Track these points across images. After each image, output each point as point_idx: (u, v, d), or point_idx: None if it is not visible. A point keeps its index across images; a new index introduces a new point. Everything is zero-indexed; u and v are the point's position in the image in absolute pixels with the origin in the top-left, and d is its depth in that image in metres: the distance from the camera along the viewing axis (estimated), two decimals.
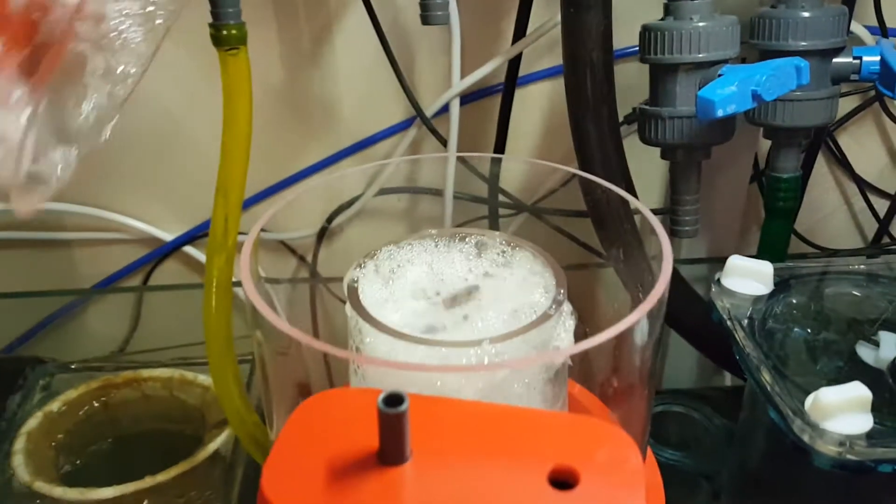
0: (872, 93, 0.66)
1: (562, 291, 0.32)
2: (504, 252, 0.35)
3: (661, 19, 0.46)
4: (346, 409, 0.25)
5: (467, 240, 0.36)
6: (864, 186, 0.70)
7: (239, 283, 0.70)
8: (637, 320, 0.28)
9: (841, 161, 0.69)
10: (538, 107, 0.64)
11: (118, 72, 0.24)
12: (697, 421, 0.55)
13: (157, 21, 0.23)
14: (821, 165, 0.70)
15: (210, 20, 0.45)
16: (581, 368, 0.35)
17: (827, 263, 0.48)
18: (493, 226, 0.62)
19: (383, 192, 0.63)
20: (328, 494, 0.22)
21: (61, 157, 0.29)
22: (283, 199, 0.37)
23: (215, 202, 0.47)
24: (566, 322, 0.33)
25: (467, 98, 0.62)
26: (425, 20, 0.47)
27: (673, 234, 0.50)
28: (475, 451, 0.23)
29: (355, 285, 0.33)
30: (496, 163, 0.59)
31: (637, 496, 0.22)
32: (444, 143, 0.62)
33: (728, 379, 0.70)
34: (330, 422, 0.25)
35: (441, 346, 0.29)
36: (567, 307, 0.32)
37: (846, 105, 0.66)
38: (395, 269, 0.35)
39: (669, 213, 0.51)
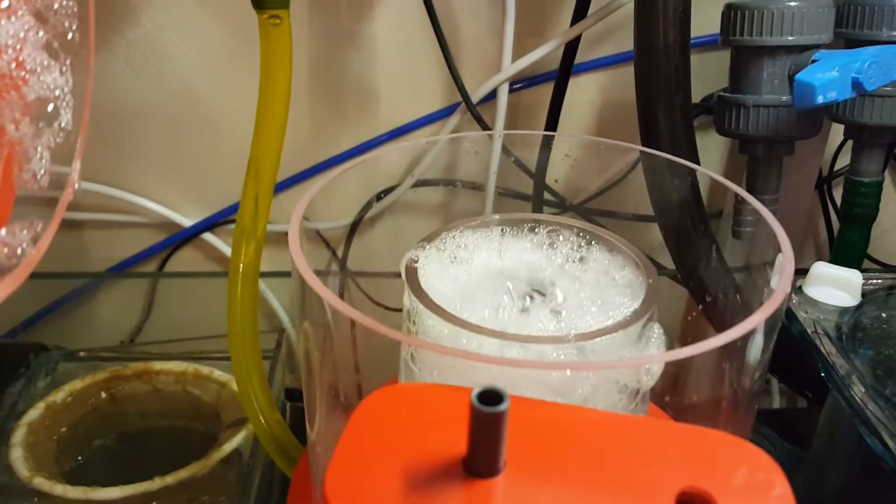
0: None
1: (650, 287, 0.28)
2: (580, 245, 0.31)
3: None
4: (418, 406, 0.21)
5: (537, 230, 0.32)
6: None
7: (266, 274, 0.66)
8: (753, 328, 0.24)
9: None
10: (589, 98, 0.60)
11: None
12: (761, 447, 0.50)
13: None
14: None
15: None
16: (665, 387, 0.31)
17: None
18: None
19: (420, 183, 0.59)
20: None
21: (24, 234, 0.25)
22: (327, 178, 0.32)
23: (245, 182, 0.43)
24: (655, 328, 0.28)
25: (515, 85, 0.58)
26: None
27: (736, 235, 0.46)
28: (584, 467, 0.19)
29: (415, 265, 0.29)
30: (545, 150, 0.55)
31: None
32: (489, 131, 0.58)
33: (777, 401, 0.66)
34: (400, 421, 0.20)
35: (525, 342, 0.24)
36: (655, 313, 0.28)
37: None
38: (460, 253, 0.30)
39: (734, 214, 0.46)
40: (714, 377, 0.28)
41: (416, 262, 0.29)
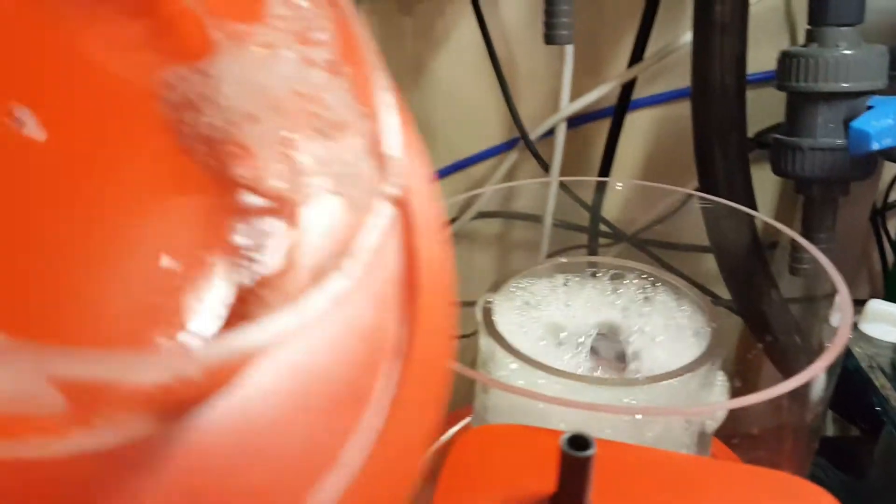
0: None
1: (714, 332, 0.30)
2: (644, 288, 0.33)
3: (804, 45, 0.44)
4: (510, 444, 0.23)
5: (599, 275, 0.34)
6: None
7: None
8: (815, 375, 0.26)
9: None
10: (643, 134, 0.62)
11: None
12: (815, 476, 0.51)
13: None
14: None
15: None
16: (729, 425, 0.32)
17: None
18: (593, 253, 0.60)
19: (481, 215, 0.61)
20: None
21: None
22: None
23: None
24: (719, 375, 0.30)
25: (573, 122, 0.60)
26: (550, 39, 0.46)
27: (793, 272, 0.47)
28: (662, 499, 0.21)
29: (490, 310, 0.31)
30: (600, 185, 0.57)
31: None
32: (546, 167, 0.60)
33: (830, 428, 0.66)
34: (494, 459, 0.22)
35: (599, 384, 0.26)
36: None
37: None
38: (529, 301, 0.32)
39: (791, 251, 0.48)
40: (776, 416, 0.30)
41: (491, 306, 0.31)
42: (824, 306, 0.62)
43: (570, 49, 0.54)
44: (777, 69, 0.45)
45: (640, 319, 0.30)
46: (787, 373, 0.28)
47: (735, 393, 0.33)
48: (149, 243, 0.18)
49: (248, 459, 0.16)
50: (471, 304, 0.39)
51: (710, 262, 0.52)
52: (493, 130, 0.62)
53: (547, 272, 0.33)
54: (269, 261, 0.19)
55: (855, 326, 0.42)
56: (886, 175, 0.61)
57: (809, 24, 0.44)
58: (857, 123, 0.37)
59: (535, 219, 0.61)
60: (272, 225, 0.19)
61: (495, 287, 0.32)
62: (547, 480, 0.21)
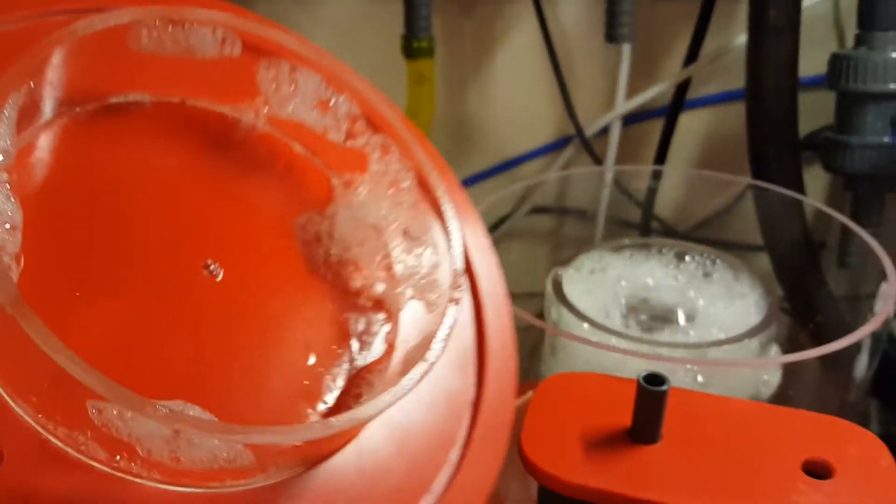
0: None
1: (772, 304, 0.32)
2: (705, 263, 0.35)
3: (854, 48, 0.46)
4: (586, 388, 0.26)
5: (662, 251, 0.37)
6: None
7: None
8: (858, 339, 0.28)
9: None
10: (697, 133, 0.64)
11: None
12: None
13: None
14: None
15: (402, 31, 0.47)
16: (779, 398, 0.35)
17: None
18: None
19: (535, 210, 0.64)
20: (585, 462, 0.23)
21: None
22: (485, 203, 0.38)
23: None
24: (774, 347, 0.33)
25: (627, 120, 0.63)
26: (612, 38, 0.48)
27: (840, 264, 0.49)
28: (726, 439, 0.24)
29: (560, 281, 0.34)
30: (653, 181, 0.59)
31: (893, 493, 0.22)
32: (600, 164, 0.62)
33: (875, 426, 0.68)
34: (573, 398, 0.25)
35: (661, 345, 0.29)
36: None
37: None
38: (594, 269, 0.35)
39: (839, 245, 0.50)
40: (822, 390, 0.32)
41: (560, 278, 0.34)
42: (869, 304, 0.64)
43: (627, 48, 0.56)
44: (828, 71, 0.47)
45: (700, 290, 0.33)
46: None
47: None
48: (298, 342, 0.27)
49: (363, 492, 0.24)
50: (528, 295, 0.41)
51: (760, 261, 0.55)
52: (547, 128, 0.65)
53: (612, 248, 0.36)
54: (375, 349, 0.28)
55: None
56: None
57: (859, 28, 0.46)
58: None
59: (588, 215, 0.63)
60: (378, 321, 0.28)
61: (565, 261, 0.35)
62: (621, 417, 0.24)
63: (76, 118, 0.26)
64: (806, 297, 0.46)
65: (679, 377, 0.29)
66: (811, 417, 0.25)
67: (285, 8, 0.61)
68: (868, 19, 0.45)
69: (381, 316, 0.28)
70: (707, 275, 0.34)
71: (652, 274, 0.35)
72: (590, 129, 0.62)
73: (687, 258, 0.35)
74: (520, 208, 0.64)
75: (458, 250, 0.27)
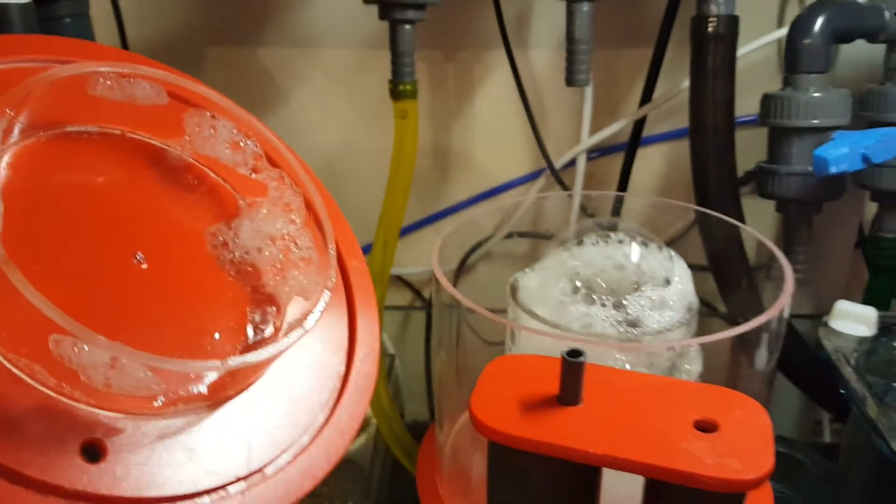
0: None
1: (692, 304, 0.38)
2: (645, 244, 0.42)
3: (782, 89, 0.53)
4: (524, 367, 0.32)
5: (609, 240, 0.43)
6: None
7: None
8: (766, 320, 0.34)
9: None
10: (655, 166, 0.70)
11: None
12: (801, 461, 0.59)
13: None
14: None
15: (389, 78, 0.54)
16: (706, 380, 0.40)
17: None
18: None
19: (511, 235, 0.70)
20: (521, 420, 0.28)
21: None
22: (457, 221, 0.44)
23: (377, 233, 0.56)
24: (693, 349, 0.38)
25: (592, 154, 0.69)
26: (570, 82, 0.55)
27: (769, 278, 0.55)
28: (634, 403, 0.29)
29: (516, 284, 0.40)
30: (617, 205, 0.65)
31: (767, 447, 0.28)
32: (569, 192, 0.69)
33: (827, 435, 0.73)
34: (515, 373, 0.31)
35: (593, 343, 0.35)
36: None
37: None
38: (548, 267, 0.42)
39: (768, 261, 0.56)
40: (735, 375, 0.38)
41: (516, 283, 0.40)
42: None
43: (589, 90, 0.63)
44: (760, 108, 0.54)
45: (641, 265, 0.39)
46: None
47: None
48: (206, 321, 0.35)
49: (252, 430, 0.32)
50: (503, 310, 0.47)
51: (708, 283, 0.60)
52: (523, 161, 0.72)
53: (563, 248, 0.42)
54: (266, 332, 0.36)
55: (825, 324, 0.50)
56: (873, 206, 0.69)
57: (786, 72, 0.53)
58: (818, 151, 0.46)
59: (559, 238, 0.69)
60: (270, 311, 0.37)
61: (521, 271, 0.41)
62: (552, 387, 0.30)
63: (39, 140, 0.34)
64: (741, 309, 0.52)
65: (609, 365, 0.35)
66: (708, 388, 0.30)
67: (287, 54, 0.68)
68: (793, 63, 0.52)
69: (272, 308, 0.37)
70: (643, 247, 0.41)
71: (599, 256, 0.41)
72: (559, 162, 0.68)
73: (632, 243, 0.41)
74: (497, 233, 0.70)
75: (332, 254, 0.37)
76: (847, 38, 0.52)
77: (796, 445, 0.60)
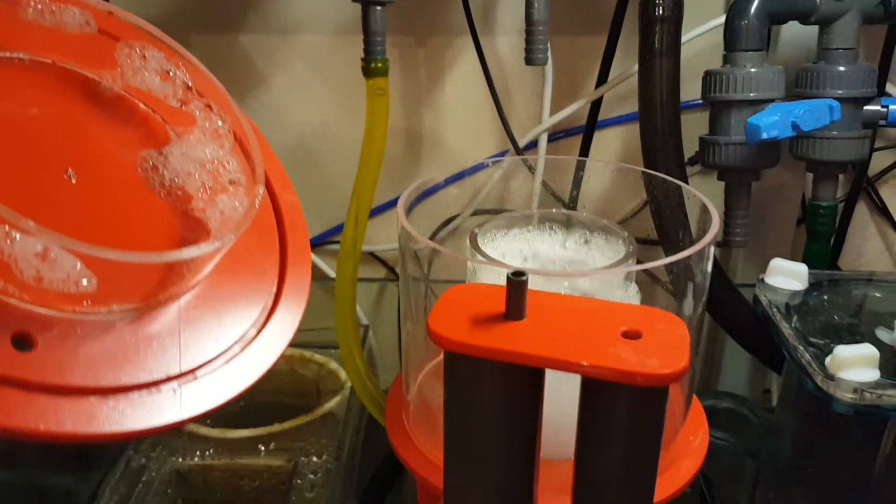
0: None
1: (629, 252, 0.43)
2: (585, 234, 0.46)
3: (722, 66, 0.58)
4: (477, 294, 0.36)
5: (555, 227, 0.48)
6: None
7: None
8: (694, 252, 0.38)
9: (882, 211, 0.78)
10: (613, 147, 0.75)
11: None
12: (745, 415, 0.63)
13: None
14: (864, 214, 0.78)
15: (361, 56, 0.58)
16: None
17: (856, 274, 0.57)
18: None
19: (478, 212, 0.74)
20: (472, 332, 0.32)
21: None
22: (420, 180, 0.49)
23: (349, 209, 0.60)
24: (633, 286, 0.43)
25: (554, 137, 0.74)
26: (529, 61, 0.59)
27: (726, 244, 0.60)
28: (572, 318, 0.34)
29: (476, 233, 0.44)
30: (576, 185, 0.70)
31: (682, 350, 0.32)
32: (532, 170, 0.73)
33: (774, 400, 0.78)
34: (466, 299, 0.35)
35: (548, 275, 0.39)
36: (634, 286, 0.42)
37: (885, 159, 0.75)
38: (498, 236, 0.46)
39: (723, 227, 0.61)
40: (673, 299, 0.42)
41: (476, 235, 0.45)
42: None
43: (549, 72, 0.68)
44: (702, 85, 0.58)
45: (581, 251, 0.44)
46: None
47: None
48: (137, 237, 0.38)
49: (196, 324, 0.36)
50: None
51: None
52: (490, 142, 0.76)
53: (520, 222, 0.46)
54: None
55: (762, 280, 0.54)
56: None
57: (725, 50, 0.57)
58: (751, 119, 0.51)
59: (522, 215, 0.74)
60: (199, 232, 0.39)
61: (479, 227, 0.46)
62: (500, 308, 0.34)
63: None
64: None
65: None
66: (636, 307, 0.35)
67: (267, 39, 0.72)
68: (731, 42, 0.57)
69: (202, 230, 0.39)
70: (587, 242, 0.45)
71: (545, 241, 0.45)
72: (523, 142, 0.72)
73: (574, 232, 0.46)
74: (465, 210, 0.74)
75: (259, 169, 0.40)
76: (781, 19, 0.57)
77: (742, 401, 0.65)
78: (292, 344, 0.72)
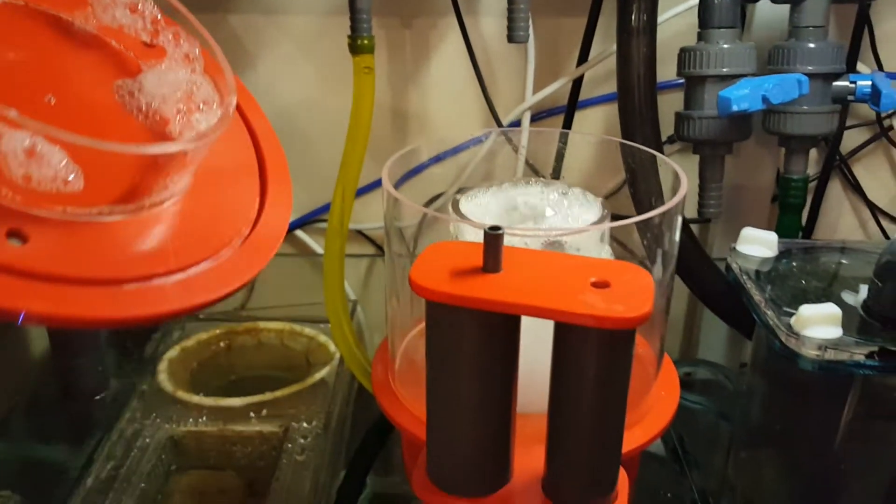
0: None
1: (604, 215, 0.45)
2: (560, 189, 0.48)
3: (696, 43, 0.60)
4: (456, 250, 0.38)
5: (532, 182, 0.50)
6: (876, 212, 0.81)
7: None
8: (665, 209, 0.40)
9: (855, 188, 0.80)
10: (594, 127, 0.77)
11: None
12: (720, 381, 0.66)
13: None
14: (838, 192, 0.81)
15: (348, 33, 0.60)
16: None
17: (826, 242, 0.59)
18: None
19: (462, 190, 0.76)
20: (452, 282, 0.35)
21: None
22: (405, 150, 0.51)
23: (336, 185, 0.62)
24: (608, 248, 0.45)
25: (537, 116, 0.76)
26: (511, 39, 0.61)
27: (700, 214, 0.62)
28: (546, 270, 0.36)
29: (458, 202, 0.46)
30: (559, 160, 0.72)
31: (647, 296, 0.34)
32: (516, 149, 0.75)
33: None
34: (447, 255, 0.37)
35: (524, 234, 0.41)
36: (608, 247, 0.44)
37: (858, 137, 0.77)
38: (478, 196, 0.48)
39: (698, 199, 0.63)
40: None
41: (459, 199, 0.47)
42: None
43: (531, 50, 0.69)
44: (678, 61, 0.60)
45: (559, 202, 0.46)
46: None
47: None
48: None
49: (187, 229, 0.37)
50: None
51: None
52: (474, 121, 0.78)
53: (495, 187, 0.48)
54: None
55: (734, 249, 0.57)
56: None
57: (700, 27, 0.59)
58: (722, 92, 0.53)
59: None
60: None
61: (461, 192, 0.48)
62: (479, 262, 0.36)
63: None
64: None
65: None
66: (605, 260, 0.37)
67: (256, 19, 0.73)
68: (705, 19, 0.59)
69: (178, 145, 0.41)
70: (563, 193, 0.47)
71: (524, 193, 0.47)
72: (507, 120, 0.74)
73: (550, 187, 0.48)
74: (450, 188, 0.76)
75: (230, 79, 0.43)
76: None
77: (718, 368, 0.68)
78: (282, 319, 0.75)
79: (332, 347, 0.70)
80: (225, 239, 0.39)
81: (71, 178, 0.32)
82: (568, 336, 0.34)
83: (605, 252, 0.45)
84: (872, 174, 0.80)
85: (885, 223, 0.81)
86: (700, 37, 0.59)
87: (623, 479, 0.38)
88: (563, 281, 0.35)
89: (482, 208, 0.46)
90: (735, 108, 0.52)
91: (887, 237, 0.81)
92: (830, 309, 0.46)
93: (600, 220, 0.44)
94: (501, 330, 0.35)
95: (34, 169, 0.31)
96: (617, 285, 0.35)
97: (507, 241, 0.35)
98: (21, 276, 0.31)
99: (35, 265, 0.31)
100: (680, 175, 0.41)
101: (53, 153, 0.31)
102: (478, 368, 0.36)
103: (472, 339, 0.36)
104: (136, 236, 0.36)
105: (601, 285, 0.35)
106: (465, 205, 0.47)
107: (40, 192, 0.32)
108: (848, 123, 0.74)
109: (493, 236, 0.35)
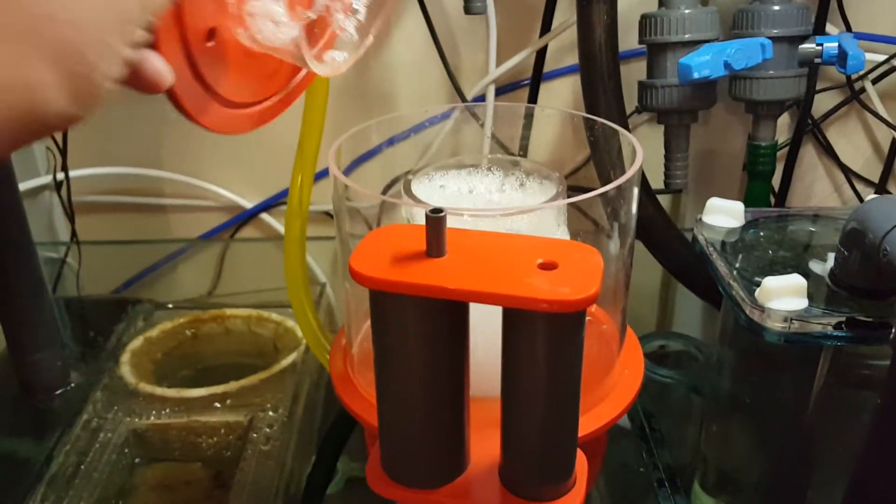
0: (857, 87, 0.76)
1: (559, 192, 0.43)
2: (520, 177, 0.47)
3: (657, 9, 0.58)
4: (400, 233, 0.36)
5: (493, 169, 0.48)
6: (850, 175, 0.80)
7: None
8: (618, 184, 0.39)
9: (829, 152, 0.79)
10: (560, 99, 0.76)
11: None
12: (692, 354, 0.65)
13: None
14: (812, 157, 0.80)
15: None
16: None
17: (793, 210, 0.58)
18: None
19: (420, 170, 0.75)
20: (394, 269, 0.33)
21: None
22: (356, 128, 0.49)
23: (294, 165, 0.60)
24: (564, 228, 0.44)
25: (502, 90, 0.74)
26: (468, 10, 0.59)
27: (666, 186, 0.61)
28: (492, 253, 0.34)
29: (410, 179, 0.45)
30: (525, 135, 0.70)
31: (595, 277, 0.33)
32: (482, 124, 0.73)
33: None
34: (390, 239, 0.36)
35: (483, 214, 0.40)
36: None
37: (830, 100, 0.76)
38: (442, 184, 0.46)
39: (664, 169, 0.61)
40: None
41: (410, 179, 0.45)
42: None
43: (493, 22, 0.68)
44: (639, 28, 0.59)
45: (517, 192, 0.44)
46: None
47: None
48: None
49: None
50: None
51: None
52: (439, 97, 0.76)
53: (454, 165, 0.47)
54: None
55: (700, 220, 0.55)
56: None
57: None
58: (683, 59, 0.51)
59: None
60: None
61: (414, 173, 0.46)
62: (423, 247, 0.35)
63: None
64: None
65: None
66: (555, 240, 0.35)
67: None
68: None
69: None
70: (522, 185, 0.45)
71: (483, 182, 0.46)
72: (471, 94, 0.73)
73: (509, 174, 0.46)
74: (415, 166, 0.74)
75: None
76: None
77: (690, 340, 0.67)
78: (250, 305, 0.73)
79: (300, 333, 0.69)
80: None
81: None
82: (516, 320, 0.33)
83: (561, 233, 0.43)
84: (846, 138, 0.79)
85: (859, 187, 0.80)
86: (661, 2, 0.57)
87: (581, 462, 0.37)
88: (510, 263, 0.34)
89: (438, 191, 0.44)
90: (696, 75, 0.51)
91: (862, 201, 0.80)
92: (795, 280, 0.45)
93: (556, 197, 0.42)
94: (447, 315, 0.34)
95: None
96: (565, 266, 0.34)
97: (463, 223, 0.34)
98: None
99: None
100: (636, 148, 0.40)
101: None
102: (424, 356, 0.34)
103: (416, 327, 0.34)
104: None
105: (548, 267, 0.34)
106: (419, 186, 0.45)
107: None
108: (819, 87, 0.72)
109: (435, 219, 0.33)
